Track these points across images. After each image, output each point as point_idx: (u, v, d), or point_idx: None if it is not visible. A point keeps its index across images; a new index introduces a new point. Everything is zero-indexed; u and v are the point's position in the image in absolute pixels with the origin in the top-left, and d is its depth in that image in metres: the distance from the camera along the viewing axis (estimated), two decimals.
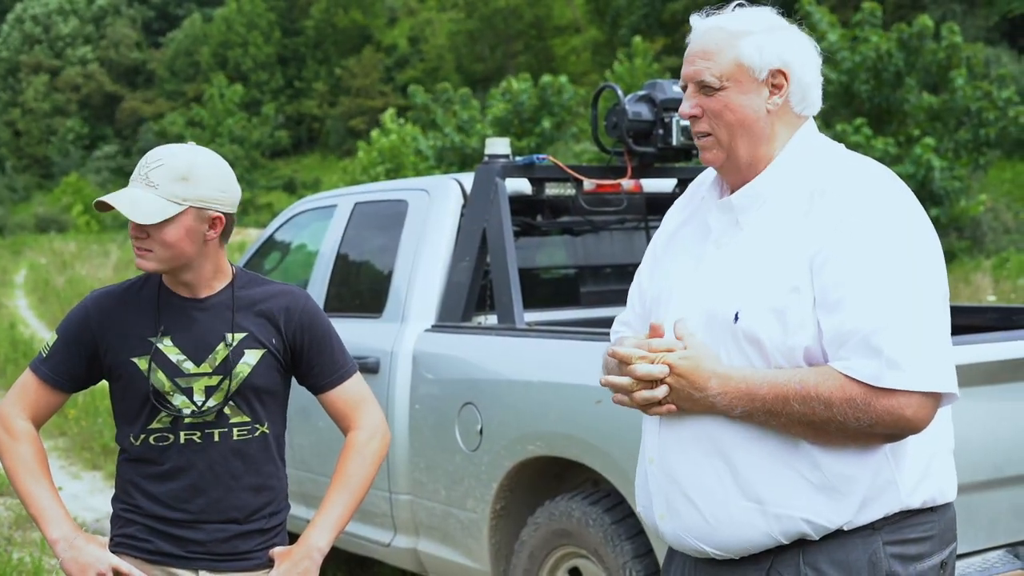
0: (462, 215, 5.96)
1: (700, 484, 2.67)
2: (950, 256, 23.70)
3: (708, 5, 2.90)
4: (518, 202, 6.00)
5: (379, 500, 5.97)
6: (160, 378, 3.24)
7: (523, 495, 5.36)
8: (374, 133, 36.08)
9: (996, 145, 24.64)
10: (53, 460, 10.89)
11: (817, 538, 2.60)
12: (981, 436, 4.23)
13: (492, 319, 5.97)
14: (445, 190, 6.10)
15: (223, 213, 3.24)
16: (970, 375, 4.12)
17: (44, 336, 20.49)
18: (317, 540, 3.30)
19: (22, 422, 3.36)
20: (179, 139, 66.60)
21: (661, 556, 4.62)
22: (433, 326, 5.83)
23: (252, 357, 3.30)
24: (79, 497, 9.44)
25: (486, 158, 5.92)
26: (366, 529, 6.13)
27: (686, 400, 2.62)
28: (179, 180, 3.16)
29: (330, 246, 6.69)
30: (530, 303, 6.04)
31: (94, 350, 3.31)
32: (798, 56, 2.73)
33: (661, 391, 2.62)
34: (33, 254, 44.23)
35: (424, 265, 5.95)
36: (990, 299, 17.90)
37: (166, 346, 3.26)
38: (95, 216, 62.97)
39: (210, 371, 3.27)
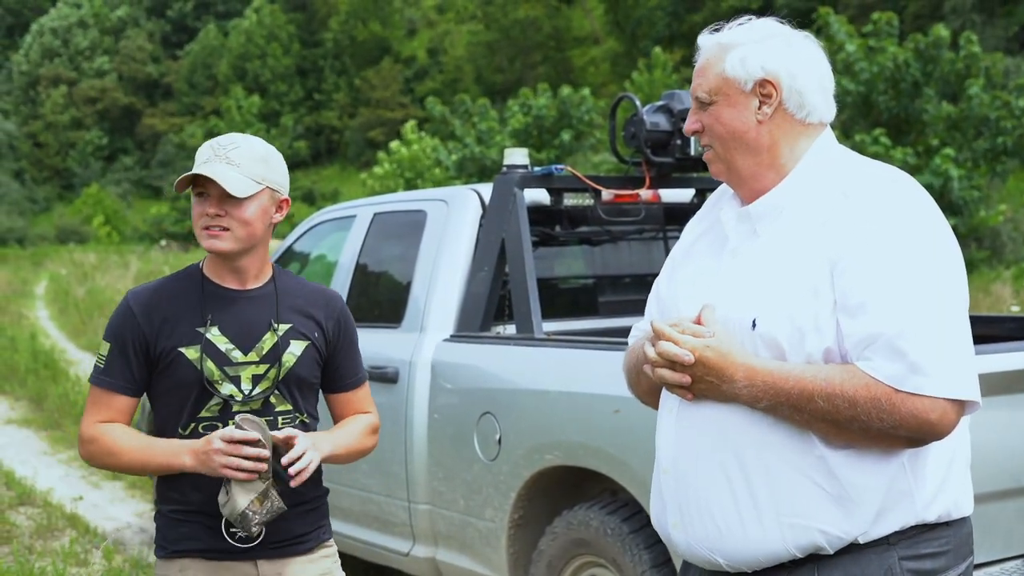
0: (481, 225, 5.98)
1: (714, 493, 2.67)
2: (970, 266, 23.52)
3: (728, 15, 2.92)
4: (536, 212, 6.01)
5: (398, 509, 5.98)
6: (210, 367, 3.33)
7: (541, 504, 5.37)
8: (393, 144, 36.14)
9: (1014, 154, 24.55)
10: (72, 470, 10.94)
11: (832, 552, 2.59)
12: (998, 446, 4.22)
13: (511, 329, 5.98)
14: (464, 200, 6.11)
15: (287, 198, 3.43)
16: (988, 384, 4.09)
17: (65, 346, 20.57)
18: (321, 442, 3.38)
19: (100, 426, 3.42)
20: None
21: (679, 566, 4.61)
22: (452, 336, 5.85)
23: (297, 348, 3.42)
24: (99, 506, 9.48)
25: (504, 168, 5.94)
26: (385, 538, 6.14)
27: (711, 389, 2.62)
28: (259, 161, 3.34)
29: (349, 256, 6.71)
30: (548, 313, 6.05)
31: (145, 346, 3.37)
32: (786, 63, 2.72)
33: (684, 378, 2.62)
34: (54, 265, 44.38)
35: (443, 275, 5.97)
36: (1014, 309, 17.82)
37: (214, 335, 3.35)
38: (115, 227, 63.29)
39: (257, 360, 3.37)
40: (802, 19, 2.85)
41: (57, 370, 16.54)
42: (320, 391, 3.61)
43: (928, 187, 20.92)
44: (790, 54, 2.74)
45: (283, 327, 3.42)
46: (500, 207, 5.79)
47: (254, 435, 3.20)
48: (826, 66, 2.79)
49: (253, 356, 3.37)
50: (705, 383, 2.62)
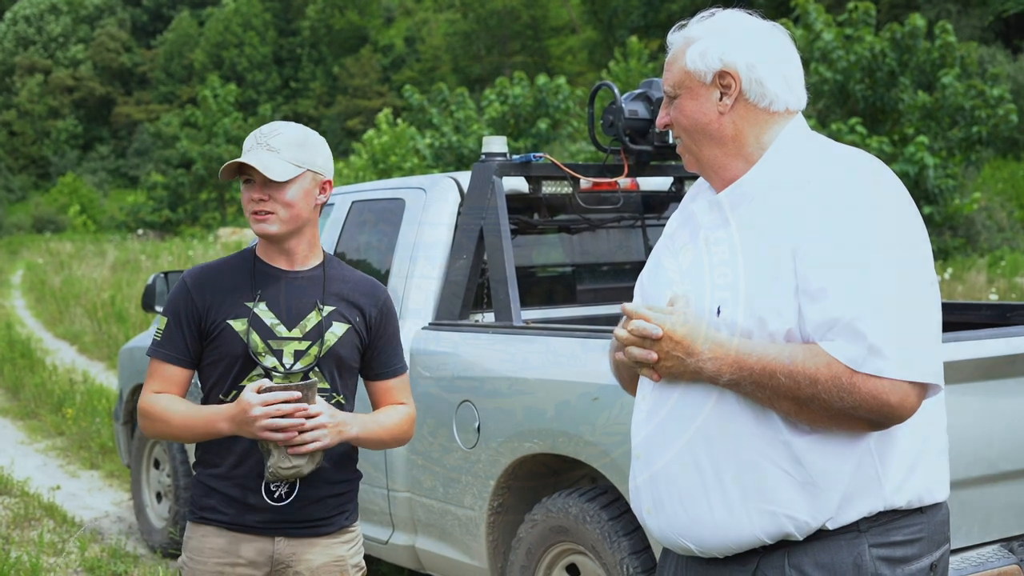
0: (459, 213, 5.97)
1: (684, 479, 2.70)
2: (944, 255, 23.73)
3: (704, 4, 2.95)
4: (515, 200, 6.01)
5: (377, 497, 5.98)
6: (255, 339, 3.54)
7: (520, 492, 5.38)
8: (369, 134, 36.05)
9: (988, 143, 24.67)
10: (50, 459, 10.91)
11: (801, 538, 2.61)
12: (976, 432, 4.25)
13: (489, 317, 5.98)
14: (442, 188, 6.11)
15: (330, 180, 3.63)
16: (965, 371, 4.14)
17: (41, 336, 20.49)
18: (351, 424, 3.56)
19: (153, 396, 3.62)
20: (175, 139, 66.77)
21: (659, 553, 4.63)
22: (430, 324, 5.84)
23: (339, 329, 3.63)
24: (77, 496, 9.45)
25: (483, 157, 5.94)
26: (364, 526, 6.14)
27: (677, 365, 2.64)
28: (298, 146, 3.54)
29: (327, 244, 6.70)
30: (527, 301, 6.05)
31: (197, 320, 3.58)
32: (745, 54, 2.76)
33: (650, 354, 2.65)
34: (30, 254, 44.18)
35: (421, 263, 5.97)
36: (992, 297, 17.89)
37: (262, 310, 3.57)
38: (91, 216, 63.00)
39: (300, 336, 3.58)
40: (780, 7, 2.87)
41: (34, 359, 16.48)
42: (360, 379, 3.81)
43: (903, 176, 21.05)
44: (750, 45, 2.76)
45: (327, 308, 3.62)
46: (479, 195, 5.79)
47: (294, 394, 3.39)
48: (792, 55, 2.82)
49: (297, 332, 3.58)
50: (672, 359, 2.64)
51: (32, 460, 10.86)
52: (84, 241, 49.57)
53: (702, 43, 2.78)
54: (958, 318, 5.84)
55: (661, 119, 2.89)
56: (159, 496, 8.05)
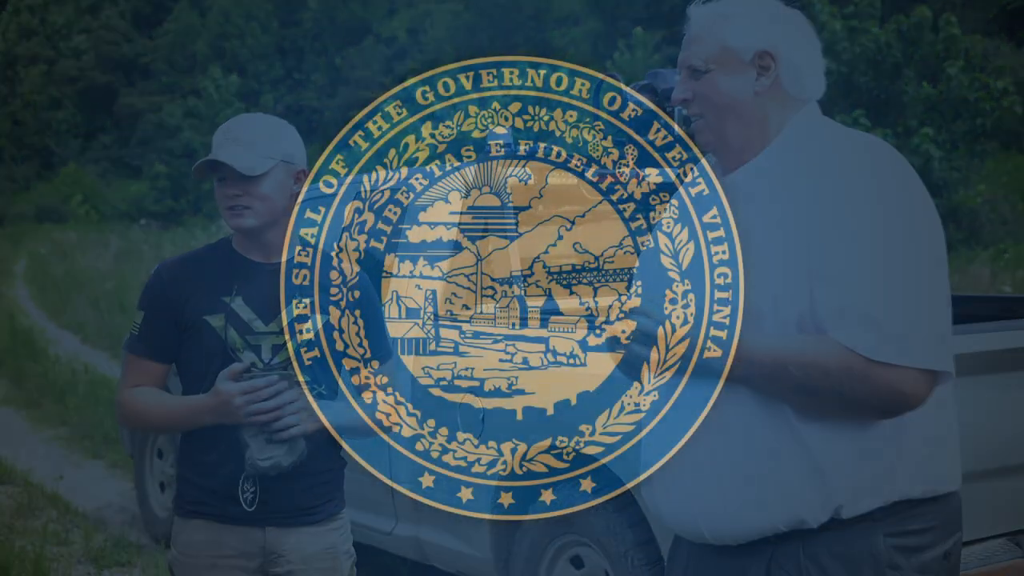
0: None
1: (696, 469, 2.71)
2: (947, 248, 23.64)
3: None
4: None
5: (380, 488, 5.97)
6: (233, 335, 3.49)
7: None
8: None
9: (992, 135, 24.64)
10: (53, 449, 10.91)
11: (815, 526, 2.61)
12: (984, 425, 4.24)
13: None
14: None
15: (304, 169, 3.58)
16: (973, 364, 4.12)
17: (45, 326, 20.48)
18: (326, 410, 3.55)
19: (130, 390, 3.57)
20: (177, 130, 66.76)
21: (663, 544, 4.62)
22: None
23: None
24: (80, 485, 9.44)
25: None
26: (367, 517, 6.13)
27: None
28: (269, 137, 3.52)
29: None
30: (530, 295, 6.03)
31: (174, 314, 3.52)
32: (786, 38, 2.75)
33: (650, 351, 2.62)
34: (33, 244, 44.14)
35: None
36: (1006, 290, 17.85)
37: (239, 305, 3.52)
38: (94, 206, 63.03)
39: (278, 330, 3.52)
40: None
41: (37, 349, 16.48)
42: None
43: None
44: (789, 29, 2.76)
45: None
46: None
47: (273, 378, 3.38)
48: (818, 44, 2.81)
49: (274, 327, 3.52)
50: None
51: (36, 450, 10.85)
52: (87, 231, 49.56)
53: (743, 20, 2.75)
54: (966, 311, 5.83)
55: (680, 94, 2.84)
56: (162, 486, 8.04)
